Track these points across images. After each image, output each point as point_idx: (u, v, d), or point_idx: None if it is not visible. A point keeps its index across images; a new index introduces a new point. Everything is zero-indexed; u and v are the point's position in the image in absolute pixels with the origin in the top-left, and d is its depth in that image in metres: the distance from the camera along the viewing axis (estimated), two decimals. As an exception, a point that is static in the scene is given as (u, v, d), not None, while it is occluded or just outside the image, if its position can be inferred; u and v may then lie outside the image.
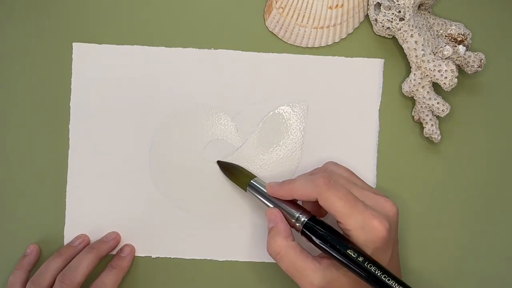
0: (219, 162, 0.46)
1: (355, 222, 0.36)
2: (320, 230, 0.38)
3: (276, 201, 0.40)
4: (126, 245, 0.46)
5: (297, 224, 0.39)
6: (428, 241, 0.46)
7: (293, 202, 0.40)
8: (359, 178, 0.42)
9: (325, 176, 0.38)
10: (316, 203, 0.39)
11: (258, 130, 0.46)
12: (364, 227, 0.36)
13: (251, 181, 0.43)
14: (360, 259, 0.35)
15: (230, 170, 0.45)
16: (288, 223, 0.39)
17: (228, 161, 0.46)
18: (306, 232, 0.38)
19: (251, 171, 0.46)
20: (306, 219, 0.38)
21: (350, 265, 0.35)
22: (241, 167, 0.45)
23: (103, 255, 0.44)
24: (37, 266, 0.45)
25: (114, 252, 0.46)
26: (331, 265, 0.37)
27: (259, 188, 0.42)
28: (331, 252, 0.36)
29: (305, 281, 0.37)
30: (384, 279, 0.34)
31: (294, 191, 0.39)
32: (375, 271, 0.35)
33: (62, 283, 0.41)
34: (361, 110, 0.46)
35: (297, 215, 0.39)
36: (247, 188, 0.43)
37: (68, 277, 0.42)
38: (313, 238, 0.38)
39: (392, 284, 0.34)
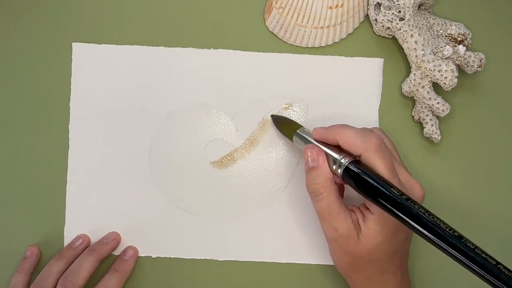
0: (272, 116, 0.46)
1: None
2: (364, 172, 0.37)
3: (321, 146, 0.40)
4: (129, 247, 0.46)
5: (339, 170, 0.38)
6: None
7: (338, 148, 0.40)
8: (398, 154, 0.42)
9: (378, 137, 0.38)
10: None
11: (257, 129, 0.46)
12: None
13: (297, 131, 0.42)
14: (404, 197, 0.35)
15: (280, 123, 0.45)
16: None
17: (279, 115, 0.46)
18: (351, 170, 0.38)
19: (251, 171, 0.46)
20: (348, 162, 0.38)
21: (394, 206, 0.35)
22: (289, 119, 0.45)
23: (103, 257, 0.44)
24: (38, 267, 0.45)
25: (117, 253, 0.46)
26: (360, 221, 0.38)
27: (304, 137, 0.42)
28: (375, 189, 0.36)
29: (331, 226, 0.39)
30: (428, 216, 0.34)
31: (340, 136, 0.39)
32: (419, 209, 0.34)
33: (64, 287, 0.41)
34: (361, 110, 0.46)
35: (339, 158, 0.39)
36: (293, 138, 0.42)
37: (70, 280, 0.42)
38: (356, 178, 0.37)
39: (435, 221, 0.33)
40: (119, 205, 0.46)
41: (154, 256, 0.46)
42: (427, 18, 0.45)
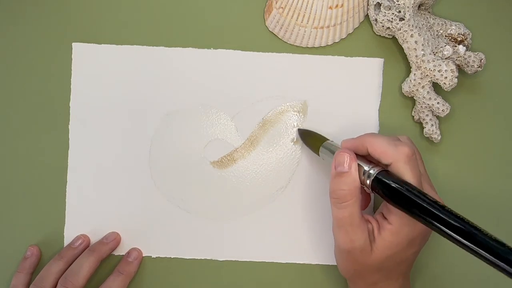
0: (299, 130, 0.46)
1: None
2: (395, 182, 0.36)
3: None
4: (133, 249, 0.46)
5: (367, 181, 0.37)
6: (428, 242, 0.46)
7: (365, 159, 0.39)
8: (424, 166, 0.41)
9: (410, 147, 0.37)
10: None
11: (257, 129, 0.46)
12: None
13: (323, 143, 0.42)
14: (439, 203, 0.34)
15: (306, 137, 0.45)
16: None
17: (306, 129, 0.46)
18: (382, 180, 0.37)
19: (251, 171, 0.46)
20: (377, 171, 0.37)
21: (425, 210, 0.34)
22: (315, 132, 0.45)
23: (103, 257, 0.44)
24: (38, 267, 0.45)
25: (117, 253, 0.46)
26: (375, 231, 0.38)
27: (331, 149, 0.41)
28: (407, 198, 0.35)
29: (349, 237, 0.37)
30: (463, 222, 0.33)
31: (371, 145, 0.38)
32: (456, 213, 0.33)
33: (64, 287, 0.41)
34: (361, 110, 0.46)
35: (368, 168, 0.38)
36: (320, 150, 0.42)
37: (70, 281, 0.42)
38: (387, 188, 0.36)
39: (471, 225, 0.32)
40: (119, 205, 0.46)
41: (154, 256, 0.46)
42: (427, 18, 0.45)
